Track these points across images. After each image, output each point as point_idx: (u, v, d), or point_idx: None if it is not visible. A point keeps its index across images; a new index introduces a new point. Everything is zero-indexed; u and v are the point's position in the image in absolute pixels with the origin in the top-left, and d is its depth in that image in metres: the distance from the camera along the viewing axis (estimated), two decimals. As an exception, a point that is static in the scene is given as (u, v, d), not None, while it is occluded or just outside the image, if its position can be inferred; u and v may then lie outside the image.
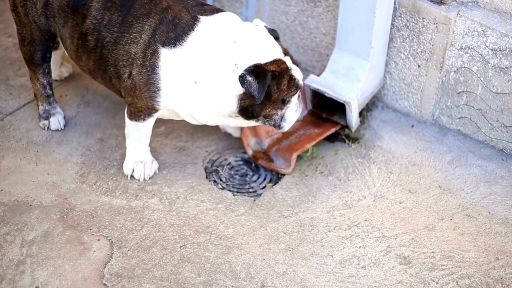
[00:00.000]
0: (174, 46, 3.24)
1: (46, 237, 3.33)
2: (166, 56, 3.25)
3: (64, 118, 3.87)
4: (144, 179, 3.62)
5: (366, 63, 3.76)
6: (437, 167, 3.76)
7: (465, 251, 3.35)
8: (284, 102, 3.37)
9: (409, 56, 3.83)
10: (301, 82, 3.38)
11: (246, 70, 3.19)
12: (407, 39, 3.80)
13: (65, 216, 3.44)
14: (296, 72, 3.34)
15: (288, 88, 3.33)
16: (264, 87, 3.19)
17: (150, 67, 3.26)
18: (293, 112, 3.45)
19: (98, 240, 3.35)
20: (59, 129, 3.83)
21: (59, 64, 4.07)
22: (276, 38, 3.38)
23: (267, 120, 3.41)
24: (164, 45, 3.25)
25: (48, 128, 3.83)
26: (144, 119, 3.46)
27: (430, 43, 3.73)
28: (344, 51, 3.83)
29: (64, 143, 3.79)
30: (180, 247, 3.34)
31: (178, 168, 3.72)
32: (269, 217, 3.51)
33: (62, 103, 3.99)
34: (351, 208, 3.55)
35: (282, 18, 4.22)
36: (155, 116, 3.47)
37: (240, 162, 3.82)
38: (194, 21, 3.26)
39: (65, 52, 3.65)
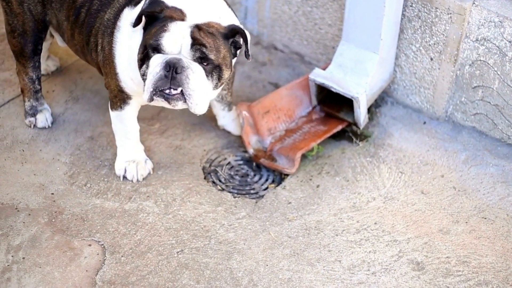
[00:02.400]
0: (135, 6, 3.27)
1: (34, 242, 3.33)
2: (126, 16, 3.27)
3: (52, 115, 3.87)
4: (138, 180, 3.62)
5: (375, 56, 3.77)
6: (451, 167, 3.76)
7: (482, 256, 3.36)
8: (145, 48, 3.13)
9: (421, 48, 3.84)
10: (166, 49, 3.07)
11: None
12: (419, 30, 3.80)
13: (53, 220, 3.43)
14: (170, 36, 3.07)
15: (155, 35, 3.09)
16: (148, 8, 3.12)
17: (112, 30, 3.29)
18: (151, 79, 3.10)
19: (89, 245, 3.34)
20: (46, 126, 3.83)
21: (46, 57, 4.07)
22: (242, 35, 3.21)
23: (139, 67, 3.19)
24: (127, 5, 3.29)
25: (34, 125, 3.82)
26: (121, 107, 3.46)
27: (443, 34, 3.73)
28: (351, 43, 3.83)
29: (52, 141, 3.79)
30: (177, 252, 3.34)
31: (174, 168, 3.72)
32: (272, 220, 3.51)
33: (49, 99, 3.98)
34: (359, 211, 3.55)
35: (284, 8, 4.23)
36: (132, 104, 3.45)
37: (241, 162, 3.82)
38: None
39: (58, 40, 3.69)
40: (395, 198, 3.61)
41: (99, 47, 3.37)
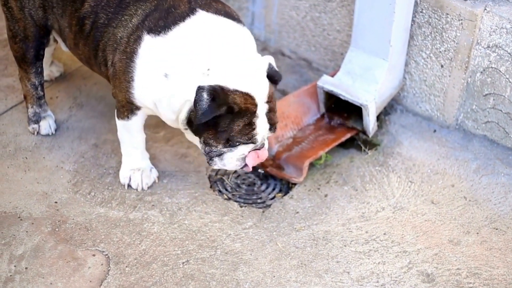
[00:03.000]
0: (158, 34, 3.21)
1: (37, 252, 3.32)
2: (148, 44, 3.22)
3: (55, 122, 3.87)
4: (143, 189, 3.61)
5: (384, 62, 3.76)
6: (462, 176, 3.75)
7: (493, 268, 3.34)
8: (228, 141, 3.21)
9: (431, 55, 3.83)
10: (259, 141, 3.22)
11: (209, 85, 3.07)
12: (429, 36, 3.80)
13: (57, 229, 3.43)
14: (261, 127, 3.19)
15: (241, 132, 3.17)
16: (211, 114, 3.08)
17: (130, 54, 3.26)
18: (233, 160, 3.27)
19: (93, 255, 3.34)
20: (50, 133, 3.83)
21: (49, 63, 4.07)
22: (275, 81, 3.25)
23: (205, 145, 3.27)
24: (149, 32, 3.23)
25: (38, 132, 3.82)
26: (128, 117, 3.45)
27: (454, 41, 3.73)
28: (360, 50, 3.83)
29: (56, 149, 3.79)
30: (183, 263, 3.33)
31: (180, 177, 3.72)
32: (280, 230, 3.50)
33: (53, 106, 3.99)
34: (368, 221, 3.54)
35: (292, 14, 4.23)
36: (140, 115, 3.45)
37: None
38: (189, 12, 3.21)
39: (62, 45, 3.67)
40: (405, 208, 3.60)
41: (109, 63, 3.36)
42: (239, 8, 4.36)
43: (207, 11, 3.23)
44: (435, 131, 3.97)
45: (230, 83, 3.10)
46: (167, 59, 3.17)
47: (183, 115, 3.21)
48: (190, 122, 3.21)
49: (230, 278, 3.28)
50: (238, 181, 3.76)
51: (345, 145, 3.90)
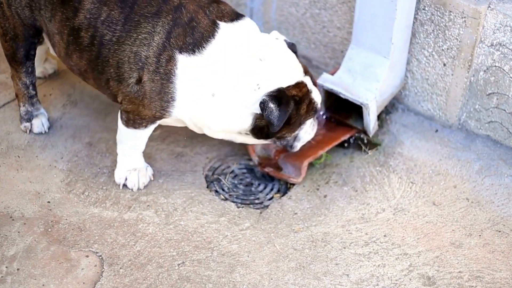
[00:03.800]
0: (193, 53, 3.25)
1: (29, 253, 3.32)
2: (184, 64, 3.25)
3: (49, 120, 3.86)
4: (139, 188, 3.61)
5: (385, 60, 3.76)
6: (464, 177, 3.75)
7: (496, 271, 3.34)
8: (300, 125, 3.45)
9: (434, 53, 3.83)
10: (319, 105, 3.48)
11: (268, 95, 3.26)
12: (432, 34, 3.79)
13: (49, 230, 3.42)
14: (315, 95, 3.44)
15: (307, 112, 3.43)
16: (286, 115, 3.30)
17: (166, 75, 3.26)
18: (308, 131, 3.53)
19: (87, 256, 3.33)
20: (43, 132, 3.82)
21: (43, 60, 4.07)
22: (294, 52, 3.46)
23: (279, 141, 3.50)
24: (181, 51, 3.24)
25: (30, 131, 3.82)
26: (145, 126, 3.45)
27: (457, 39, 3.72)
28: (361, 47, 3.82)
29: (49, 147, 3.78)
30: (178, 264, 3.32)
31: (176, 177, 3.71)
32: (277, 231, 3.50)
33: (46, 103, 3.98)
34: (368, 222, 3.54)
35: (291, 10, 4.22)
36: (158, 123, 3.47)
37: (245, 170, 3.82)
38: (214, 27, 3.27)
39: (50, 48, 3.65)
40: (406, 209, 3.60)
41: (130, 80, 3.31)
42: (237, 4, 4.35)
43: (225, 21, 3.31)
44: (437, 130, 3.97)
45: (282, 84, 3.30)
46: (212, 79, 3.27)
47: (248, 125, 3.35)
48: (255, 129, 3.37)
49: (226, 281, 3.27)
50: (236, 181, 3.75)
51: (345, 145, 3.90)
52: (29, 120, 3.82)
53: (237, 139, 3.48)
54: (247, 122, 3.35)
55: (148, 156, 3.75)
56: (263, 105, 3.26)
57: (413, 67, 3.93)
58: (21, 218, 3.46)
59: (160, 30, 3.25)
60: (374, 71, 3.77)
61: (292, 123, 3.40)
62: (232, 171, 3.80)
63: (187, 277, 3.27)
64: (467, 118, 3.91)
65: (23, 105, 3.80)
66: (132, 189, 3.60)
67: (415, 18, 3.80)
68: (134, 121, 3.43)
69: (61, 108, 3.98)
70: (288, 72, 3.34)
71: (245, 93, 3.28)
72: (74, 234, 3.41)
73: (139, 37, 3.27)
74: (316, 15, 4.14)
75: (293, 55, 3.42)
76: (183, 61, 3.25)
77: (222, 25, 3.29)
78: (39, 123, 3.82)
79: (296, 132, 3.48)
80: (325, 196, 3.67)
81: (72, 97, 4.05)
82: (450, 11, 3.68)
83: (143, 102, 3.33)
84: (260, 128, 3.36)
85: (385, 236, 3.48)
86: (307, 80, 3.40)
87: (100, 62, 3.35)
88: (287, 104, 3.29)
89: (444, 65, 3.82)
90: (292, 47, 3.47)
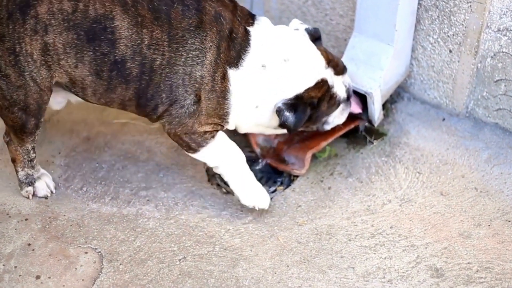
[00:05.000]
0: (237, 67, 3.28)
1: (26, 250, 3.33)
2: (234, 79, 3.28)
3: (53, 179, 3.64)
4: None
5: (389, 48, 3.76)
6: (473, 166, 3.75)
7: (505, 262, 3.34)
8: (323, 118, 3.57)
9: (439, 40, 3.83)
10: (343, 95, 3.55)
11: (284, 103, 3.35)
12: (437, 20, 3.79)
13: (47, 226, 3.43)
14: (338, 88, 3.50)
15: (328, 108, 3.51)
16: (302, 121, 3.41)
17: (221, 92, 3.28)
18: (337, 116, 3.62)
19: (86, 252, 3.34)
20: (49, 194, 3.58)
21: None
22: (318, 38, 3.51)
23: (307, 129, 3.64)
24: (230, 65, 3.26)
25: (34, 195, 3.56)
26: (213, 136, 3.39)
27: (463, 24, 3.72)
28: (364, 35, 3.82)
29: (45, 143, 3.79)
30: (180, 260, 3.33)
31: (176, 170, 3.72)
32: (281, 225, 3.51)
33: (43, 98, 3.98)
34: (374, 214, 3.54)
35: (292, -2, 4.23)
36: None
37: (247, 163, 3.81)
38: (247, 35, 3.30)
39: (70, 99, 3.46)
40: (412, 200, 3.60)
41: (185, 102, 3.23)
42: (237, -7, 4.35)
43: (251, 26, 3.32)
44: (444, 119, 3.96)
45: (301, 88, 3.37)
46: (256, 92, 3.34)
47: (275, 124, 3.45)
48: (282, 124, 3.43)
49: (229, 275, 3.28)
50: (237, 174, 3.76)
51: (349, 135, 3.90)
52: (31, 183, 3.54)
53: (266, 132, 3.58)
54: (276, 122, 3.44)
55: (147, 149, 3.76)
56: (278, 113, 3.35)
57: (418, 54, 3.93)
58: (18, 215, 3.47)
59: (210, 45, 3.21)
60: (378, 59, 3.77)
61: (314, 119, 3.51)
62: (234, 164, 3.80)
63: (189, 272, 3.28)
64: (474, 106, 3.90)
65: (22, 169, 3.52)
66: (265, 209, 3.52)
67: (419, 3, 3.79)
68: (195, 142, 3.37)
69: (58, 102, 3.99)
70: (308, 72, 3.37)
71: (275, 97, 3.36)
72: (73, 230, 3.42)
73: (189, 55, 3.19)
74: (318, 2, 4.14)
75: (314, 48, 3.44)
76: (232, 76, 3.27)
77: (251, 32, 3.30)
78: (43, 186, 3.56)
79: (323, 121, 3.58)
80: (329, 188, 3.68)
81: (69, 91, 4.05)
82: (455, -4, 3.68)
83: (200, 119, 3.30)
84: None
85: (391, 227, 3.48)
86: (328, 75, 3.43)
87: (151, 89, 3.23)
88: (304, 111, 3.38)
89: (450, 51, 3.82)
90: (315, 33, 3.50)
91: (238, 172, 3.46)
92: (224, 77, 3.26)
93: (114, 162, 3.71)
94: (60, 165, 3.70)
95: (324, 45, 4.22)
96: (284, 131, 3.51)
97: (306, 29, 3.48)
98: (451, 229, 3.47)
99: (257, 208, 3.49)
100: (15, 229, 3.41)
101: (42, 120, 3.34)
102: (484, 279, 3.27)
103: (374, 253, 3.38)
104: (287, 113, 3.34)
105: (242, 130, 3.54)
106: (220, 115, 3.34)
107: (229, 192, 3.65)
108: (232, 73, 3.27)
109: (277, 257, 3.36)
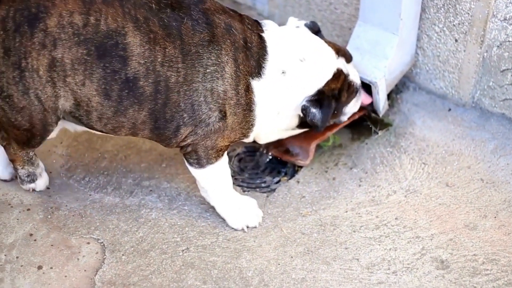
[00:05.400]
0: (259, 77, 3.24)
1: (28, 240, 3.34)
2: (257, 89, 3.25)
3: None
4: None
5: (394, 37, 3.75)
6: (479, 157, 3.74)
7: (511, 254, 3.34)
8: (344, 108, 3.60)
9: (445, 29, 3.82)
10: (358, 82, 3.59)
11: (309, 100, 3.35)
12: (442, 9, 3.78)
13: (49, 216, 3.44)
14: (353, 76, 3.53)
15: (348, 96, 3.55)
16: (328, 115, 3.42)
17: (247, 105, 3.24)
18: (353, 105, 3.64)
19: (88, 243, 3.35)
20: (47, 187, 3.58)
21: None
22: (318, 31, 3.53)
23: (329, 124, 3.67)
24: (252, 76, 3.22)
25: (34, 190, 3.55)
26: (222, 155, 3.33)
27: (468, 13, 3.71)
28: (369, 24, 3.81)
29: (48, 132, 3.79)
30: (183, 250, 3.33)
31: (179, 161, 3.72)
32: (285, 215, 3.50)
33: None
34: (379, 205, 3.54)
35: (297, -13, 4.22)
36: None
37: (251, 153, 3.81)
38: (262, 42, 3.27)
39: (76, 128, 3.31)
40: (418, 191, 3.60)
41: (212, 119, 3.15)
42: (241, -18, 4.35)
43: (262, 32, 3.30)
44: (450, 109, 3.96)
45: (321, 82, 3.38)
46: (278, 98, 3.32)
47: (293, 124, 3.49)
48: (302, 124, 3.51)
49: (232, 266, 3.28)
50: (241, 165, 3.76)
51: (354, 126, 3.89)
52: (33, 181, 3.52)
53: (283, 135, 3.60)
54: (296, 122, 3.48)
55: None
56: (305, 111, 3.35)
57: (424, 43, 3.92)
58: (20, 205, 3.47)
59: (227, 59, 3.13)
60: (383, 48, 3.76)
61: (337, 111, 3.54)
62: (238, 154, 3.80)
63: (192, 263, 3.28)
64: (481, 96, 3.89)
65: (22, 168, 3.48)
66: (255, 226, 3.48)
67: (425, -8, 3.79)
68: (208, 157, 3.29)
69: (60, 92, 3.99)
70: (324, 66, 3.38)
71: (296, 99, 3.36)
72: (75, 220, 3.43)
73: (208, 70, 3.11)
74: (323, -9, 4.14)
75: (321, 41, 3.44)
76: (256, 87, 3.23)
77: (265, 37, 3.28)
78: (43, 184, 3.55)
79: (343, 109, 3.61)
80: (333, 179, 3.67)
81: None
82: (462, -16, 3.67)
83: (224, 134, 3.24)
84: (306, 122, 3.46)
85: (396, 219, 3.48)
86: (341, 64, 3.46)
87: (169, 109, 3.11)
88: (329, 105, 3.39)
89: (456, 41, 3.81)
90: (314, 26, 3.51)
91: (225, 197, 3.43)
92: (248, 89, 3.21)
93: (116, 152, 3.71)
94: (62, 155, 3.70)
95: (329, 34, 4.22)
96: (301, 130, 3.55)
97: (306, 25, 3.49)
98: (456, 221, 3.47)
99: (245, 229, 3.45)
100: (17, 219, 3.41)
101: (47, 136, 3.24)
102: (490, 271, 3.27)
103: (379, 245, 3.37)
104: (313, 110, 3.33)
105: (262, 140, 3.53)
106: (244, 128, 3.29)
107: (233, 183, 3.63)
108: (255, 83, 3.23)
109: (281, 248, 3.36)
